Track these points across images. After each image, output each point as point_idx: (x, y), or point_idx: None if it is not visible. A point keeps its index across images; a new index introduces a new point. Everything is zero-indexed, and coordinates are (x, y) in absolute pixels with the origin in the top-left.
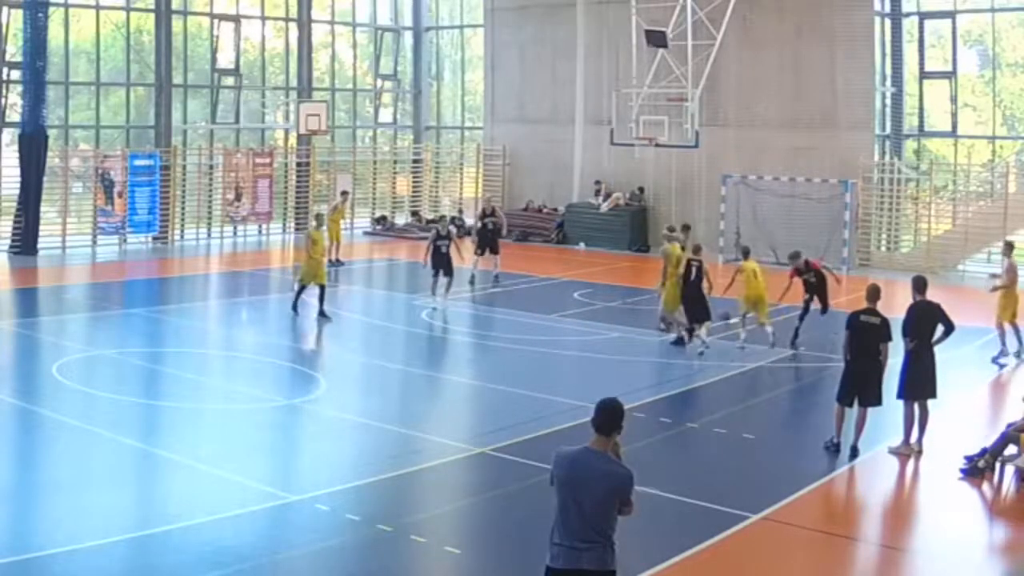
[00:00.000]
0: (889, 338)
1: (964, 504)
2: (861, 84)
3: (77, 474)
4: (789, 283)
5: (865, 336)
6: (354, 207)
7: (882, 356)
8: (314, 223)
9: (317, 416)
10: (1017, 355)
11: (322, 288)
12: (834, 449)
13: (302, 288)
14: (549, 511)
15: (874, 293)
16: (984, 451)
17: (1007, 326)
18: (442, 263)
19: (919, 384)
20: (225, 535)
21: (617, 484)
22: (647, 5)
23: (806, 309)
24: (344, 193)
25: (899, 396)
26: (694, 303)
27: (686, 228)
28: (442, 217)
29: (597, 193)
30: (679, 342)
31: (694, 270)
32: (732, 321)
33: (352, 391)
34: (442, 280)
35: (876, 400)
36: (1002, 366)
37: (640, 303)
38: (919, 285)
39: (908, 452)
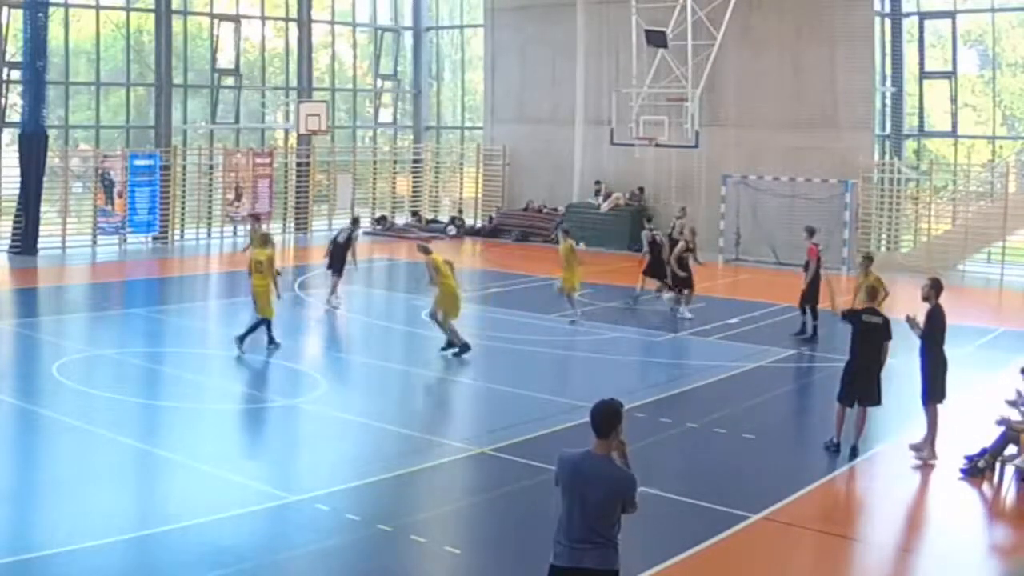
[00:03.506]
0: (890, 337)
1: (964, 504)
2: (861, 84)
3: (77, 474)
4: (815, 264)
5: (867, 336)
6: (354, 207)
7: (883, 355)
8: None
9: (317, 416)
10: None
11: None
12: (834, 449)
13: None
14: (549, 511)
15: (874, 293)
16: (984, 451)
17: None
18: (338, 258)
19: (941, 388)
20: (225, 535)
21: (620, 488)
22: (647, 5)
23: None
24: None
25: (924, 402)
26: (655, 267)
27: (647, 217)
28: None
29: (597, 193)
30: (461, 350)
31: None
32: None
33: (352, 391)
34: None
35: (876, 400)
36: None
37: (641, 303)
38: (939, 288)
39: (929, 458)
